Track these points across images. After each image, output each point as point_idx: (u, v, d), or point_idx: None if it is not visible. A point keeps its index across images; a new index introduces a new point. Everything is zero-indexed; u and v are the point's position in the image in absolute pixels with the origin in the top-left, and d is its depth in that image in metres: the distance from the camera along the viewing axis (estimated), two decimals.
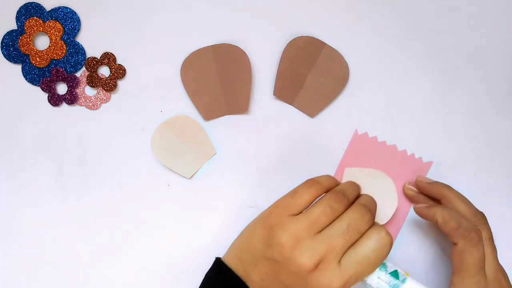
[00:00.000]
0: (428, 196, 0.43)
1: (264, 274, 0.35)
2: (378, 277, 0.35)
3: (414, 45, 0.46)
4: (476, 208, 0.40)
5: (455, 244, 0.37)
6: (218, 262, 0.38)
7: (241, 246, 0.38)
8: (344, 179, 0.44)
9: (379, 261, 0.34)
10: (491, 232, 0.39)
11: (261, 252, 0.35)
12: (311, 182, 0.37)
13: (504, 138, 0.46)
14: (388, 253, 0.34)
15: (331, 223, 0.35)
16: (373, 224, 0.35)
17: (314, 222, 0.34)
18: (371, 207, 0.36)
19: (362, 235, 0.34)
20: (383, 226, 0.35)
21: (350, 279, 0.33)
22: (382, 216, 0.43)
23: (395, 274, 0.35)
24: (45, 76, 0.45)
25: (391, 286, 0.35)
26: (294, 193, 0.36)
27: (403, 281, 0.35)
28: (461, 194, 0.41)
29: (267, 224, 0.36)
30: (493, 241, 0.39)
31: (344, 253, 0.34)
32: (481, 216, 0.39)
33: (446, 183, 0.42)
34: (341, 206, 0.35)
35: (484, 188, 0.45)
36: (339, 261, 0.33)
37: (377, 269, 0.35)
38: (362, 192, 0.40)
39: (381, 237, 0.34)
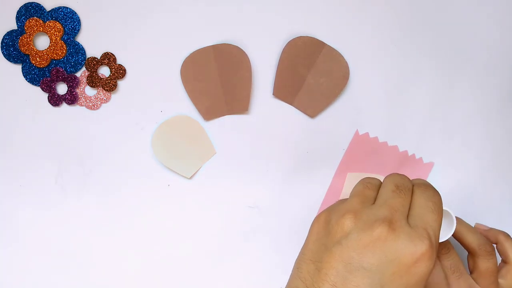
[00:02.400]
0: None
1: (333, 270, 0.29)
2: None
3: (414, 45, 0.46)
4: None
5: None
6: None
7: (296, 266, 0.33)
8: (346, 183, 0.44)
9: (439, 206, 0.32)
10: None
11: (322, 248, 0.31)
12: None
13: (505, 137, 0.46)
14: (441, 198, 0.33)
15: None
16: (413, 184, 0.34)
17: (363, 196, 0.32)
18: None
19: (412, 194, 0.33)
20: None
21: (430, 233, 0.30)
22: None
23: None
24: (45, 76, 0.45)
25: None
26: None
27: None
28: None
29: (320, 222, 0.33)
30: None
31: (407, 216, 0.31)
32: None
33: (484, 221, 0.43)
34: (377, 180, 0.34)
35: (485, 188, 0.45)
36: (408, 222, 0.30)
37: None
38: None
39: (427, 188, 0.33)
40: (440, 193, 0.33)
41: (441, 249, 0.39)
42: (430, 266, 0.29)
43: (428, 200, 0.32)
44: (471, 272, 0.39)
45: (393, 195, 0.32)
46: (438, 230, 0.31)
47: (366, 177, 0.35)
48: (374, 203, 0.32)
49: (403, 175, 0.34)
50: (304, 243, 0.33)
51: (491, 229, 0.41)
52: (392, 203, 0.31)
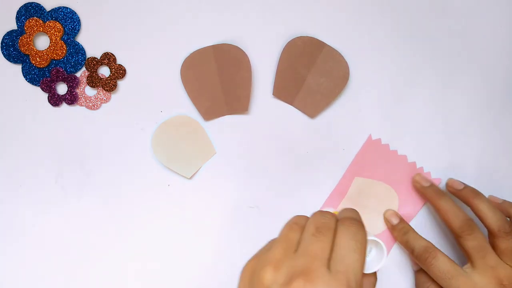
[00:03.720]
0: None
1: None
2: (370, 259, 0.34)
3: (414, 44, 0.46)
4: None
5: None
6: None
7: None
8: (352, 187, 0.44)
9: (362, 244, 0.31)
10: None
11: None
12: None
13: (505, 137, 0.46)
14: (365, 234, 0.32)
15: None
16: (337, 220, 0.34)
17: (287, 242, 0.32)
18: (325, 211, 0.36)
19: (335, 234, 0.32)
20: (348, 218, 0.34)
21: (350, 278, 0.29)
22: (377, 230, 0.44)
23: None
24: (45, 76, 0.45)
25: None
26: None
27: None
28: (489, 204, 0.41)
29: (246, 273, 0.32)
30: None
31: (329, 259, 0.31)
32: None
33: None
34: (302, 220, 0.34)
35: (485, 188, 0.45)
36: (328, 267, 0.30)
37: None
38: (368, 202, 0.42)
39: (351, 223, 0.32)
40: (365, 227, 0.32)
41: (464, 230, 0.39)
42: None
43: (351, 239, 0.31)
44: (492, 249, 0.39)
45: (312, 240, 0.31)
46: (359, 271, 0.30)
47: (294, 217, 0.34)
48: (297, 249, 0.31)
49: (327, 213, 0.33)
50: None
51: (504, 201, 0.42)
52: (312, 250, 0.30)
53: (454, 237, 0.40)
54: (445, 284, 0.38)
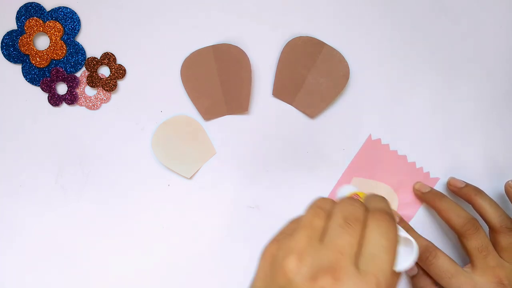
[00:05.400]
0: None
1: None
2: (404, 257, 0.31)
3: (414, 44, 0.46)
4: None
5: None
6: None
7: None
8: None
9: (394, 243, 0.29)
10: None
11: None
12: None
13: (505, 138, 0.46)
14: (396, 230, 0.30)
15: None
16: (367, 211, 0.32)
17: (311, 229, 0.29)
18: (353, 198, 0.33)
19: (364, 226, 0.30)
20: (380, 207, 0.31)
21: (379, 279, 0.27)
22: None
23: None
24: (45, 76, 0.45)
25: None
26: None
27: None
28: (491, 200, 0.40)
29: (266, 258, 0.30)
30: None
31: (358, 255, 0.29)
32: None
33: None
34: (329, 204, 0.31)
35: (487, 188, 0.45)
36: (356, 265, 0.28)
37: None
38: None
39: (382, 218, 0.30)
40: (395, 222, 0.30)
41: (467, 229, 0.39)
42: None
43: (382, 237, 0.29)
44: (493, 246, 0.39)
45: (340, 232, 0.29)
46: (389, 272, 0.28)
47: (319, 200, 0.32)
48: (322, 238, 0.29)
49: (356, 201, 0.31)
50: (254, 277, 0.31)
51: (467, 185, 0.42)
52: (339, 244, 0.28)
53: (457, 236, 0.40)
54: (445, 283, 0.38)
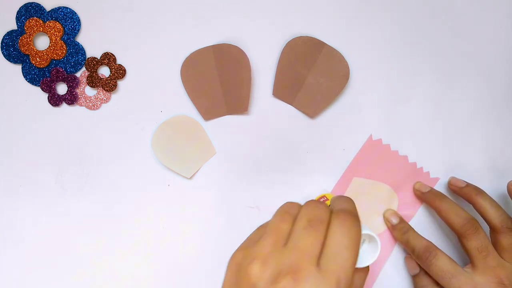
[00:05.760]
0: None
1: None
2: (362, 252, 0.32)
3: (414, 44, 0.46)
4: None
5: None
6: None
7: None
8: (350, 188, 0.44)
9: (355, 241, 0.29)
10: None
11: None
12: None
13: (505, 138, 0.46)
14: (359, 228, 0.30)
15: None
16: (331, 212, 0.32)
17: (277, 234, 0.30)
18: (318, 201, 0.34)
19: (328, 227, 0.30)
20: (345, 210, 0.32)
21: (340, 277, 0.28)
22: (377, 230, 0.44)
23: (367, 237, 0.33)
24: (45, 76, 0.45)
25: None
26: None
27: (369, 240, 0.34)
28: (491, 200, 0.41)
29: (232, 266, 0.31)
30: None
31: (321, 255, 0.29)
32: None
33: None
34: (294, 209, 0.32)
35: (487, 188, 0.45)
36: (318, 265, 0.28)
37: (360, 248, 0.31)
38: (366, 203, 0.41)
39: (345, 218, 0.30)
40: (360, 221, 0.31)
41: (467, 229, 0.39)
42: None
43: (343, 236, 0.29)
44: (494, 247, 0.39)
45: (303, 233, 0.29)
46: (350, 269, 0.28)
47: (286, 204, 0.32)
48: (287, 242, 0.30)
49: (320, 203, 0.32)
50: (222, 284, 0.31)
51: (468, 185, 0.42)
52: (302, 246, 0.29)
53: (457, 236, 0.40)
54: (445, 283, 0.38)
